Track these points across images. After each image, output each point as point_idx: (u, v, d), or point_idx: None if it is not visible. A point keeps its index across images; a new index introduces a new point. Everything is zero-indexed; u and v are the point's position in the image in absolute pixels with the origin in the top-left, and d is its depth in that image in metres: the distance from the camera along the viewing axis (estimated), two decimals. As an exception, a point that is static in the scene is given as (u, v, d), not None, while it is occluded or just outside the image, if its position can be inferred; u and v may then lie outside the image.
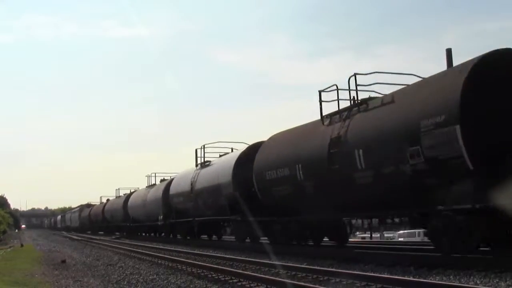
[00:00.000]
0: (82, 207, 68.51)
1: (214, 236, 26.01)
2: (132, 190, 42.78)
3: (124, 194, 44.81)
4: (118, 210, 42.90)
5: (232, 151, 23.07)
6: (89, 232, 59.60)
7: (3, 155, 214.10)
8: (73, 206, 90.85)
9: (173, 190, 27.39)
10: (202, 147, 24.35)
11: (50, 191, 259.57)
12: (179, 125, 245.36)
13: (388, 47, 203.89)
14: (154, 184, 34.33)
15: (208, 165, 23.53)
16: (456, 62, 11.11)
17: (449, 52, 11.27)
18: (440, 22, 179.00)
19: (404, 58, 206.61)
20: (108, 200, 53.07)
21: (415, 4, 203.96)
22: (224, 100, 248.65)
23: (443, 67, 11.28)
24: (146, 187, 36.20)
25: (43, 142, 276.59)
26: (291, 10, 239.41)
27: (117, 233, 46.71)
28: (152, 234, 36.96)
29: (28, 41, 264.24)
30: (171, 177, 30.96)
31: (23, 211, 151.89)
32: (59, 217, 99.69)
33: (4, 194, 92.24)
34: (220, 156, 23.39)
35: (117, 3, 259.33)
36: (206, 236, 26.28)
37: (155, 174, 35.23)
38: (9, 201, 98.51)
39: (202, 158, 24.46)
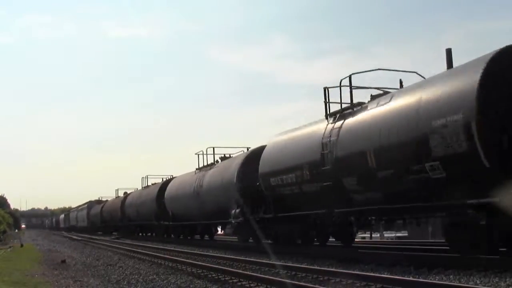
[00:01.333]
0: (91, 204, 59.10)
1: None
2: (166, 178, 33.19)
3: (152, 184, 35.52)
4: (148, 205, 32.83)
5: (401, 85, 13.23)
6: (100, 232, 51.70)
7: (3, 155, 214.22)
8: (73, 206, 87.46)
9: (271, 165, 16.57)
10: (349, 78, 13.69)
11: (50, 191, 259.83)
12: (179, 125, 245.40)
13: (388, 47, 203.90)
14: (213, 164, 23.78)
15: (363, 108, 12.95)
16: (456, 62, 11.10)
17: (449, 52, 11.26)
18: (440, 22, 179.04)
19: (404, 58, 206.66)
20: (126, 193, 43.39)
21: (415, 4, 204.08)
22: (224, 100, 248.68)
23: (443, 67, 11.28)
24: (198, 169, 25.25)
25: (43, 142, 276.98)
26: (291, 10, 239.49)
27: (140, 234, 38.94)
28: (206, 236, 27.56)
29: (28, 41, 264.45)
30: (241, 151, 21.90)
31: (23, 211, 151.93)
32: (62, 216, 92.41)
33: (4, 194, 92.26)
34: (374, 97, 13.15)
35: (117, 3, 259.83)
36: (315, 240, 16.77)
37: (214, 149, 24.35)
38: (9, 201, 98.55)
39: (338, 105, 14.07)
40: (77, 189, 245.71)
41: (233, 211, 19.22)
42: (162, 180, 33.33)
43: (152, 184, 35.77)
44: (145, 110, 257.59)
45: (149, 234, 37.36)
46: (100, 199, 58.51)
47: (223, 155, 23.76)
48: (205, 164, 24.78)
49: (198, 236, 28.15)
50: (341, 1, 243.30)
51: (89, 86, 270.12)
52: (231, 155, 22.90)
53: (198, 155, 25.13)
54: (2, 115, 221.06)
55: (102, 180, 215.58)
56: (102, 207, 50.66)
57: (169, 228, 29.50)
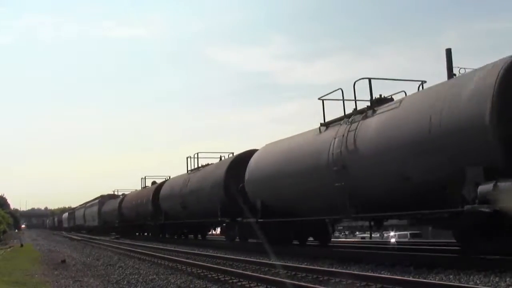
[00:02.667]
0: (103, 199, 49.61)
1: None
2: (224, 157, 22.50)
3: (207, 164, 23.95)
4: (207, 194, 21.51)
5: None
6: (114, 234, 42.67)
7: (3, 155, 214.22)
8: (73, 206, 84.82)
9: None
10: None
11: (50, 191, 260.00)
12: (178, 124, 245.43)
13: (388, 47, 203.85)
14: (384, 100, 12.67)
15: None
16: (456, 62, 11.06)
17: (449, 52, 11.28)
18: (440, 22, 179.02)
19: (404, 58, 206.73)
20: (155, 182, 33.98)
21: (415, 4, 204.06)
22: (223, 100, 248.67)
23: (443, 67, 11.26)
24: (348, 116, 13.31)
25: (43, 142, 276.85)
26: (291, 10, 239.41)
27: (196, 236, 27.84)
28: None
29: (28, 41, 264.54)
30: None
31: (23, 211, 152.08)
32: (65, 214, 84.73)
33: (4, 194, 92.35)
34: None
35: (117, 3, 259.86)
36: None
37: (370, 81, 13.01)
38: (9, 201, 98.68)
39: None
40: (77, 189, 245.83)
41: (480, 188, 8.99)
42: (221, 158, 22.67)
43: (206, 164, 24.12)
44: (145, 110, 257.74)
45: (209, 235, 27.37)
46: (116, 192, 47.93)
47: (379, 96, 12.83)
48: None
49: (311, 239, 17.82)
50: (341, 1, 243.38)
51: (89, 85, 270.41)
52: (391, 96, 12.73)
53: (323, 100, 14.19)
54: (2, 115, 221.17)
55: (102, 181, 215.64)
56: (121, 201, 39.99)
57: (266, 229, 16.05)
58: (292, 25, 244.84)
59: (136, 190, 39.80)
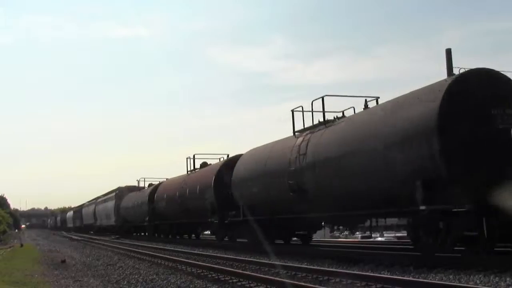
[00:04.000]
0: (120, 192, 39.69)
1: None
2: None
3: (337, 118, 14.05)
4: (375, 160, 11.24)
5: None
6: (137, 232, 34.87)
7: (3, 155, 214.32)
8: (73, 206, 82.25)
9: None
10: None
11: (50, 191, 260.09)
12: (178, 125, 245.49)
13: (388, 47, 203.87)
14: None
15: None
16: (456, 62, 11.04)
17: (449, 52, 11.28)
18: (440, 22, 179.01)
19: (404, 58, 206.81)
20: (203, 165, 25.12)
21: (415, 4, 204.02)
22: (223, 100, 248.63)
23: (443, 67, 11.26)
24: None
25: (43, 141, 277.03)
26: (291, 10, 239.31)
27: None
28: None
29: (28, 41, 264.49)
30: None
31: (23, 211, 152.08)
32: (70, 213, 77.19)
33: (4, 194, 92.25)
34: None
35: (117, 3, 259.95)
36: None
37: None
38: (9, 201, 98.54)
39: None
40: (78, 189, 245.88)
41: None
42: (366, 104, 13.76)
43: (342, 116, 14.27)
44: (145, 110, 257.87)
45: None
46: (141, 183, 37.31)
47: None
48: None
49: None
50: (341, 1, 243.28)
51: (89, 85, 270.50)
52: None
53: None
54: (2, 115, 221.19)
55: (103, 181, 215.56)
56: (154, 192, 29.82)
57: None
58: (292, 25, 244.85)
59: (167, 179, 30.54)
